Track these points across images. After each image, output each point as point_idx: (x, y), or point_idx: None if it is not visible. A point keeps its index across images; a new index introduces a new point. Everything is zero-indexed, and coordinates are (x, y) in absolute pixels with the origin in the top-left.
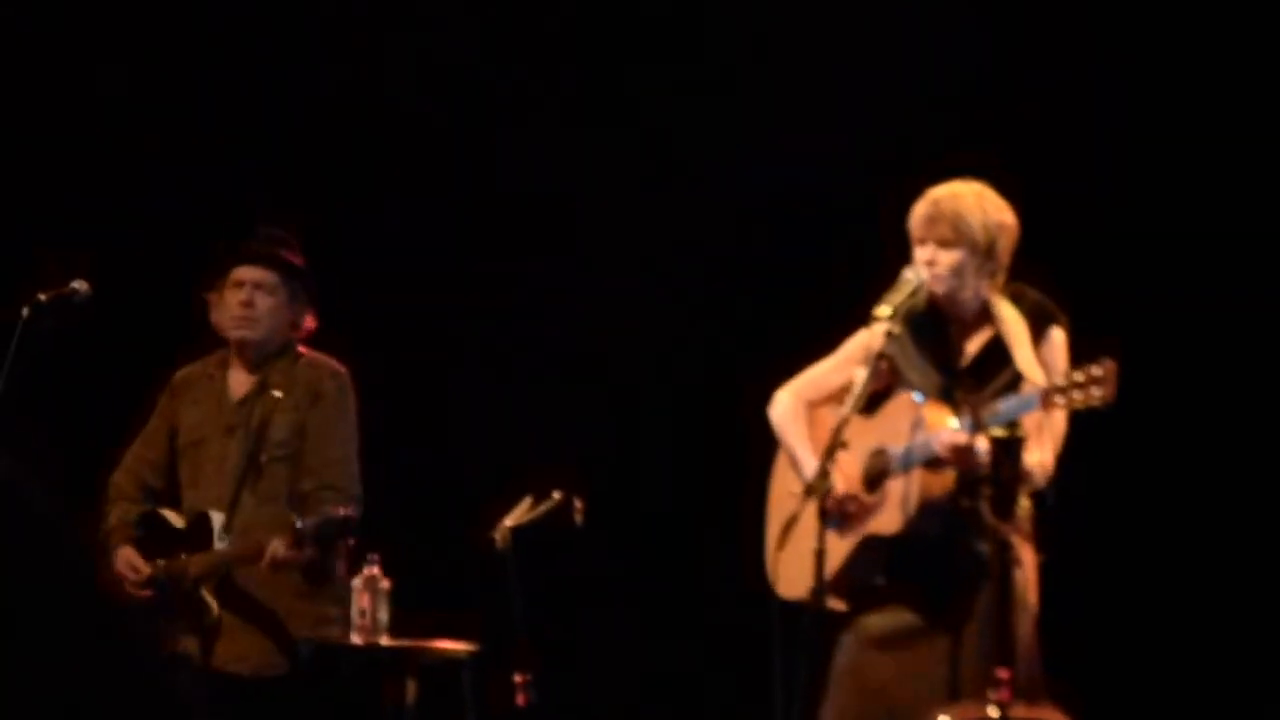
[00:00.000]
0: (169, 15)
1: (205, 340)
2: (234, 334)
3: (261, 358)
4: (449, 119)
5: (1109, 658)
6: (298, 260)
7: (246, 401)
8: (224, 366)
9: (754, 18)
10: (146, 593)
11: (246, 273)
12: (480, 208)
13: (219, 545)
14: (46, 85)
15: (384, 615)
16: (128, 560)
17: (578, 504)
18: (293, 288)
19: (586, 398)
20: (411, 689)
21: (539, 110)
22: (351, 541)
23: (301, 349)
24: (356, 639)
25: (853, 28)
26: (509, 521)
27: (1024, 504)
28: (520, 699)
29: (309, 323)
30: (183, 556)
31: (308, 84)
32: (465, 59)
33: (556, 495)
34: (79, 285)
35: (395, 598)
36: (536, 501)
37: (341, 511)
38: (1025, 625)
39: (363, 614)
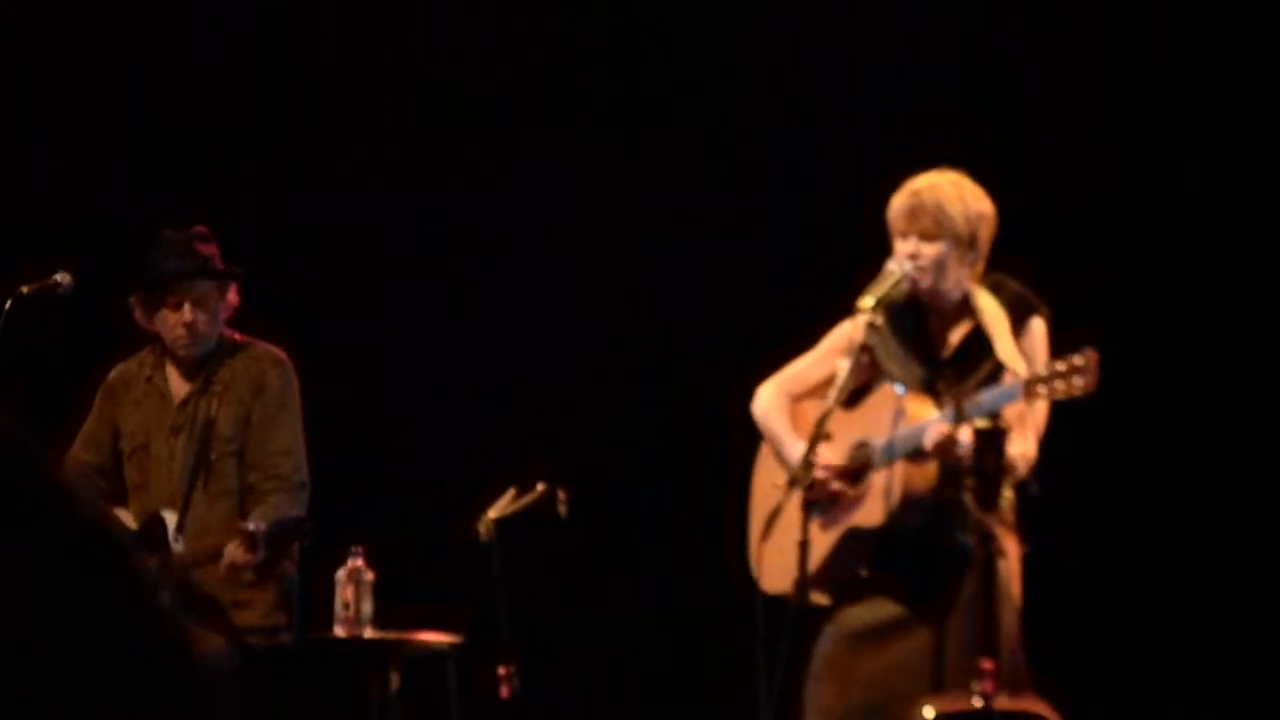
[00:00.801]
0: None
1: (137, 337)
2: (182, 352)
3: (204, 358)
4: (428, 108)
5: (1092, 649)
6: (214, 254)
7: (189, 401)
8: (161, 366)
9: (737, 12)
10: None
11: (182, 291)
12: (465, 196)
13: (175, 546)
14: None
15: (368, 607)
16: None
17: (561, 495)
18: (222, 286)
19: (571, 389)
20: (395, 681)
21: (520, 100)
22: (304, 542)
23: (238, 336)
24: (341, 631)
25: (832, 21)
26: (493, 513)
27: (1007, 495)
28: (504, 691)
29: (232, 299)
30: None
31: (281, 72)
32: (439, 47)
33: (540, 487)
34: (61, 277)
35: (379, 590)
36: (520, 493)
37: (294, 513)
38: (1009, 616)
39: (346, 606)
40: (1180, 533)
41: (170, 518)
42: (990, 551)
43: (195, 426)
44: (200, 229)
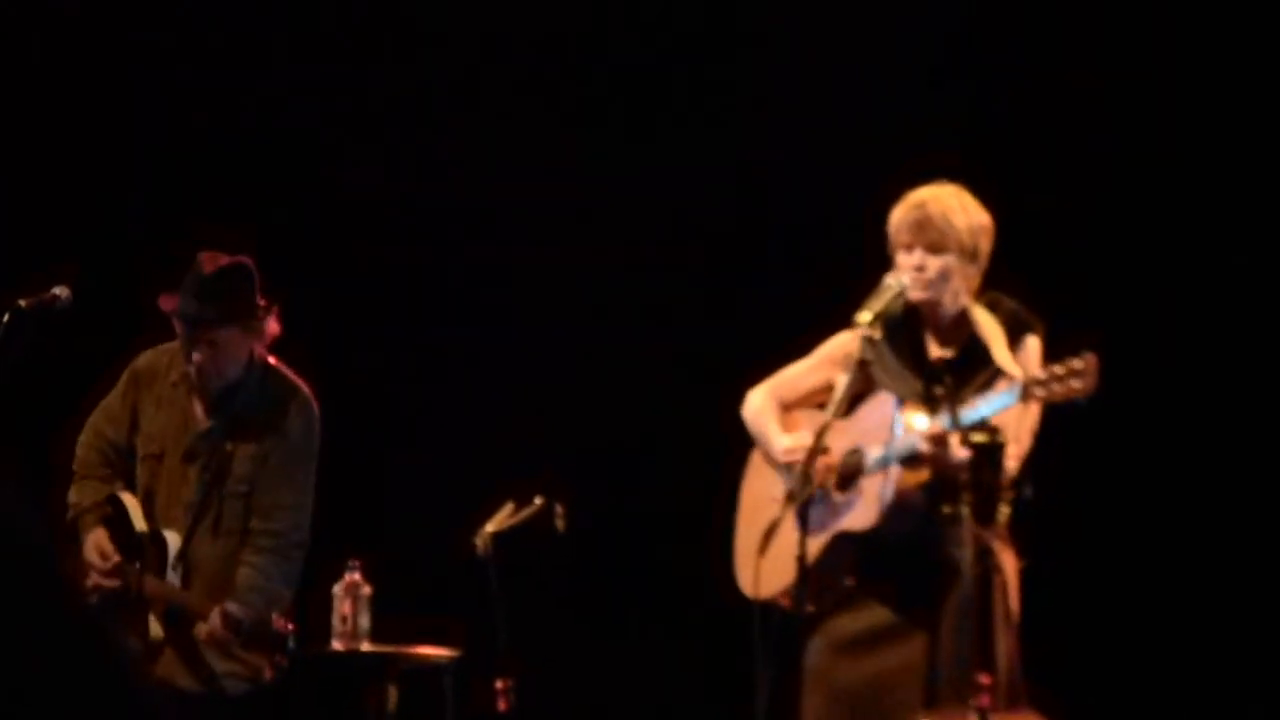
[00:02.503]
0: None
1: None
2: (195, 380)
3: (229, 388)
4: (433, 119)
5: (1090, 664)
6: (248, 293)
7: (210, 434)
8: (187, 379)
9: (729, 22)
10: (113, 582)
11: (197, 335)
12: (463, 213)
13: (171, 574)
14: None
15: (365, 621)
16: (98, 545)
17: (559, 509)
18: (246, 324)
19: (568, 403)
20: (393, 695)
21: (520, 107)
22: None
23: (271, 359)
24: (338, 645)
25: (825, 32)
26: (491, 527)
27: (1004, 509)
28: (502, 704)
29: (272, 330)
30: (137, 566)
31: (284, 89)
32: (434, 58)
33: (538, 501)
34: (60, 291)
35: (377, 603)
36: (518, 507)
37: (281, 624)
38: (1006, 631)
39: (344, 620)
40: (1179, 545)
41: (174, 541)
42: (988, 565)
43: (211, 462)
44: (240, 261)
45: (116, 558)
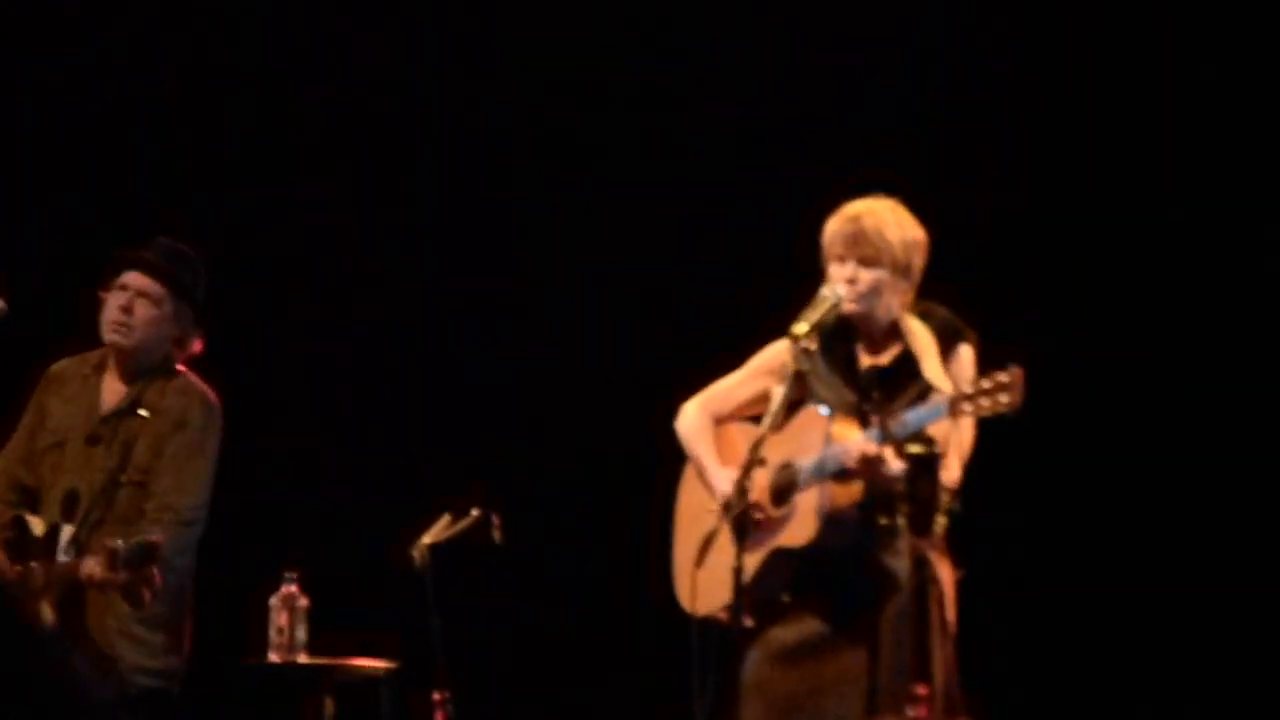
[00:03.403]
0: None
1: (91, 337)
2: (108, 338)
3: (138, 370)
4: (383, 128)
5: (1026, 674)
6: (193, 279)
7: (114, 416)
8: (101, 370)
9: (674, 34)
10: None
11: (132, 279)
12: (405, 227)
13: (62, 559)
14: None
15: (302, 633)
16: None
17: (496, 521)
18: (179, 305)
19: (504, 415)
20: (330, 706)
21: (470, 110)
22: (157, 573)
23: (180, 368)
24: (275, 657)
25: (765, 46)
26: (427, 539)
27: (941, 520)
28: (439, 717)
29: (195, 346)
30: (32, 565)
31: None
32: (392, 64)
33: (475, 512)
34: None
35: (314, 616)
36: (455, 519)
37: (153, 538)
38: (943, 642)
39: (280, 632)
40: (1114, 555)
41: (67, 530)
42: (924, 576)
43: (114, 445)
44: (196, 253)
45: (14, 568)
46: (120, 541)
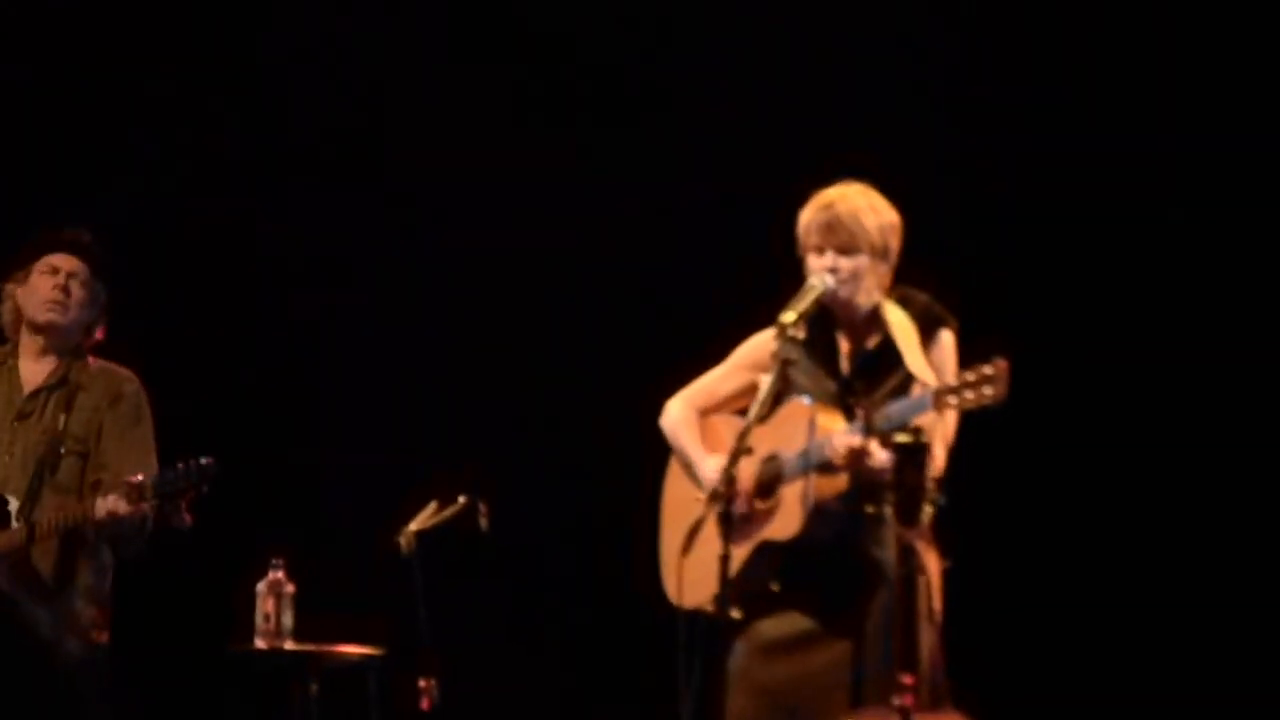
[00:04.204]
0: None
1: None
2: (44, 317)
3: (63, 349)
4: (342, 111)
5: (1013, 664)
6: (111, 266)
7: (42, 392)
8: (15, 355)
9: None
10: None
11: (64, 260)
12: (390, 216)
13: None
14: None
15: (288, 619)
16: None
17: (483, 508)
18: (96, 289)
19: (493, 403)
20: (316, 692)
21: (444, 99)
22: (203, 489)
23: (90, 357)
24: (261, 643)
25: (732, 41)
26: (414, 526)
27: (928, 510)
28: (425, 703)
29: (99, 334)
30: None
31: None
32: (346, 60)
33: (462, 500)
34: None
35: (300, 602)
36: (442, 506)
37: (202, 460)
38: (929, 631)
39: (267, 618)
40: (1099, 544)
41: (13, 502)
42: (911, 566)
43: (44, 418)
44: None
45: None
46: (142, 477)
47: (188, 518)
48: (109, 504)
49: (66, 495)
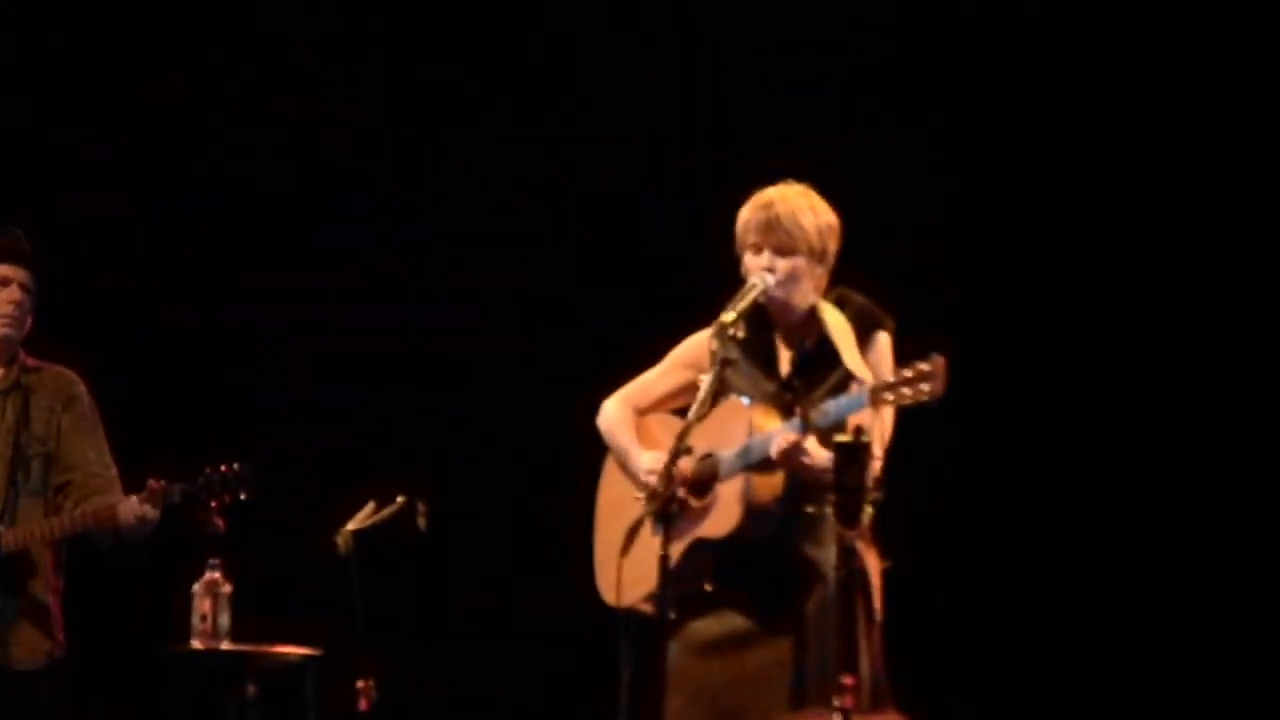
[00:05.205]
0: None
1: None
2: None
3: (10, 356)
4: (313, 109)
5: (954, 664)
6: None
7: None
8: None
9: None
10: None
11: (11, 271)
12: (325, 208)
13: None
14: None
15: (225, 620)
16: None
17: (421, 507)
18: (37, 291)
19: (430, 401)
20: (253, 694)
21: (364, 94)
22: (239, 495)
23: (29, 358)
24: (198, 644)
25: (664, 33)
26: (352, 525)
27: (867, 510)
28: (363, 704)
29: (29, 325)
30: None
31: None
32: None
33: (400, 499)
34: None
35: (237, 602)
36: (380, 505)
37: (235, 464)
38: (870, 632)
39: (204, 619)
40: (1040, 542)
41: None
42: (851, 567)
43: (4, 421)
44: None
45: None
46: (166, 482)
47: (220, 523)
48: (136, 508)
49: (37, 497)
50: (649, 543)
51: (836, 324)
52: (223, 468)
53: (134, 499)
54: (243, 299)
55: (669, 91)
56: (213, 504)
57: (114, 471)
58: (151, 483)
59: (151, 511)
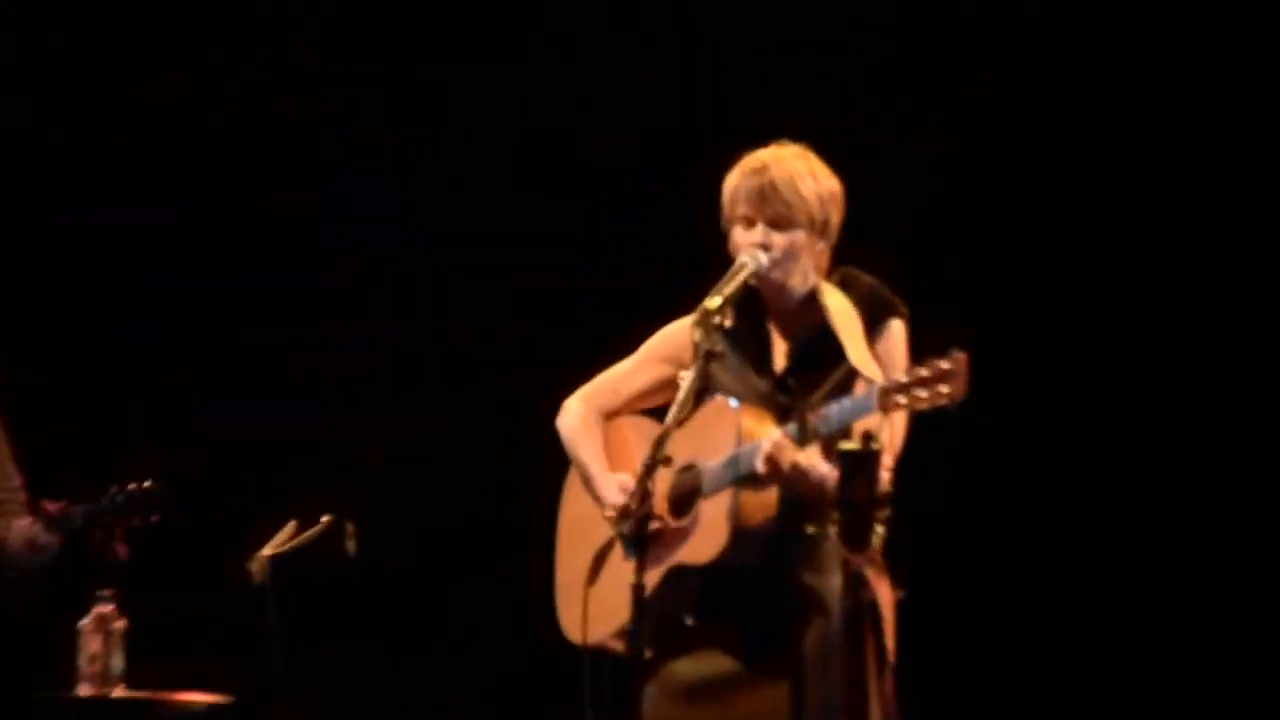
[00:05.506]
0: None
1: None
2: None
3: None
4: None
5: (977, 710)
6: None
7: None
8: None
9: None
10: None
11: None
12: (258, 218)
13: None
14: None
15: (119, 662)
16: None
17: (350, 529)
18: None
19: (361, 409)
20: None
21: (320, 105)
22: (149, 519)
23: None
24: (86, 690)
25: (664, 33)
26: (268, 550)
27: (879, 531)
28: None
29: None
30: None
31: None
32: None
33: (325, 519)
34: None
35: (132, 641)
36: (302, 526)
37: (149, 483)
38: (880, 673)
39: (93, 660)
40: (1073, 570)
41: None
42: (859, 598)
43: None
44: None
45: None
46: (57, 506)
47: (122, 550)
48: (29, 531)
49: None
50: (620, 570)
51: (841, 310)
52: (130, 486)
53: (25, 523)
54: (155, 297)
55: (669, 92)
56: (117, 529)
57: (18, 489)
58: (45, 505)
59: (45, 537)
